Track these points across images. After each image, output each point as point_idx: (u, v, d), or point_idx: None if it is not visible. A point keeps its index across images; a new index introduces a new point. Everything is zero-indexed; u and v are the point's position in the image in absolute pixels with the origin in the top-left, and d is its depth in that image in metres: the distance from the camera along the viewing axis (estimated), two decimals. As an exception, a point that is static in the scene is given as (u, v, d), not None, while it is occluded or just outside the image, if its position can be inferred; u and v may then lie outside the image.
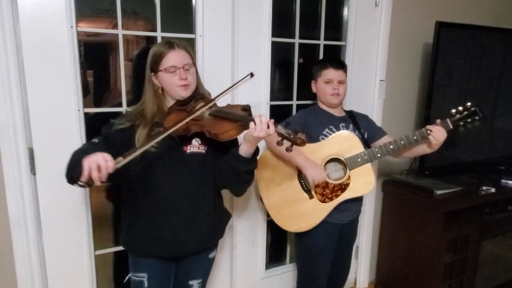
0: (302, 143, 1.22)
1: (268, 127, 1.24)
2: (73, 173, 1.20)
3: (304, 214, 1.78)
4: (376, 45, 2.29)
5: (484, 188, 2.25)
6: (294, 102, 2.16)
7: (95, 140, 1.39)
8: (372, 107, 2.34)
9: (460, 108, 1.66)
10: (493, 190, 2.24)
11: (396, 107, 2.44)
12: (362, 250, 2.54)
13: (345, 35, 2.22)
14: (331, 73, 1.79)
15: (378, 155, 1.72)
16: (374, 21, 2.26)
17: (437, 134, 1.63)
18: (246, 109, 1.36)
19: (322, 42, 2.16)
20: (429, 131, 1.64)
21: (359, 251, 2.54)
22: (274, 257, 2.36)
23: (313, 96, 2.03)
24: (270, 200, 1.85)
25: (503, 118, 2.60)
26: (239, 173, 1.36)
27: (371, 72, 2.32)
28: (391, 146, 1.71)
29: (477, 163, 2.53)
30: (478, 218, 2.28)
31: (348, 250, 2.00)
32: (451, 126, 1.65)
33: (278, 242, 2.36)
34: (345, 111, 1.90)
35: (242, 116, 1.30)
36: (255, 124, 1.24)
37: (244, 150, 1.33)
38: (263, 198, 1.87)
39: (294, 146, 1.23)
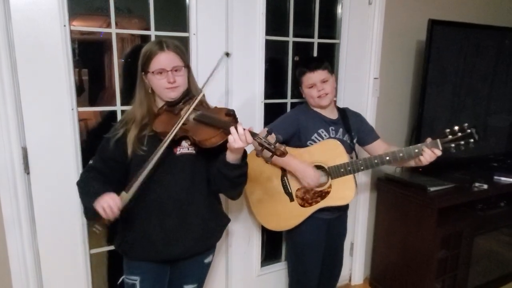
0: (281, 155, 1.17)
1: (246, 136, 1.21)
2: (92, 216, 1.28)
3: (283, 215, 1.79)
4: (369, 43, 2.30)
5: (477, 184, 2.27)
6: (289, 100, 2.17)
7: (92, 162, 1.40)
8: (366, 104, 2.35)
9: (456, 128, 1.53)
10: (485, 186, 2.26)
11: (390, 105, 2.45)
12: (357, 247, 2.55)
13: (339, 33, 2.23)
14: (310, 77, 1.73)
15: (362, 167, 1.68)
16: (367, 19, 2.27)
17: (426, 157, 1.58)
18: (230, 114, 1.31)
19: (316, 40, 2.17)
20: (421, 150, 1.57)
21: (354, 248, 2.56)
22: (270, 254, 2.37)
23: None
24: (254, 196, 1.86)
25: (495, 115, 2.63)
26: (230, 178, 1.34)
27: (365, 70, 2.33)
28: (376, 161, 1.67)
29: (470, 160, 2.55)
30: (471, 214, 2.30)
31: (339, 246, 1.99)
32: (440, 148, 1.55)
33: (273, 240, 2.36)
34: (338, 110, 1.87)
35: (224, 123, 1.26)
36: (232, 133, 1.22)
37: (230, 157, 1.30)
38: (247, 193, 1.87)
39: (274, 156, 1.18)
